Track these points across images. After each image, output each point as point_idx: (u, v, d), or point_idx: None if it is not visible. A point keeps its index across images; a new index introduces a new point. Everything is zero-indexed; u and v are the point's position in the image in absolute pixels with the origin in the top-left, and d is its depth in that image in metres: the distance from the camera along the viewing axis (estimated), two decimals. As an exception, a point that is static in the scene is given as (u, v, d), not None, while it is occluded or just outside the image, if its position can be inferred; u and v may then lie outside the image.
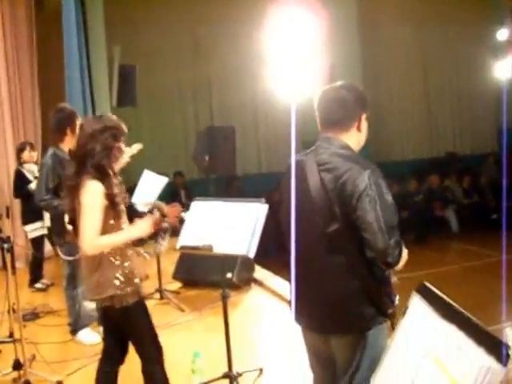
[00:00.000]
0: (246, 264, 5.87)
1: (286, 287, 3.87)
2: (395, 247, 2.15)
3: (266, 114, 11.21)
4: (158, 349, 2.99)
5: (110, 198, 2.81)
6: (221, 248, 3.28)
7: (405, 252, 2.27)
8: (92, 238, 2.73)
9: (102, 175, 2.81)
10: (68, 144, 4.38)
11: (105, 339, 3.14)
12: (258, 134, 11.76)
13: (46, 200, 4.29)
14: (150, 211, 2.92)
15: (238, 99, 10.48)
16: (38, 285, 6.37)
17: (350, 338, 2.32)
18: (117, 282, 2.80)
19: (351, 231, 2.17)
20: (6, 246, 3.68)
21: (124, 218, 2.94)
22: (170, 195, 8.50)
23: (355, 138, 2.34)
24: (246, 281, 5.99)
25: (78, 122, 4.36)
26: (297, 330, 2.58)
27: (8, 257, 3.76)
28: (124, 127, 2.97)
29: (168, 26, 9.76)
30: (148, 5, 9.58)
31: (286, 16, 3.31)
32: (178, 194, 9.99)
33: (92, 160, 2.80)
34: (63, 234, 4.26)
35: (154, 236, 2.95)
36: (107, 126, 2.87)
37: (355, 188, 2.13)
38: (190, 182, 10.06)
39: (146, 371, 2.97)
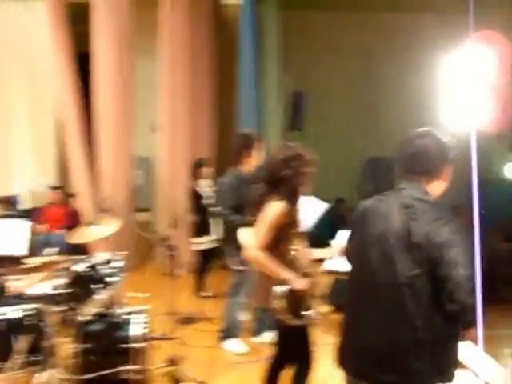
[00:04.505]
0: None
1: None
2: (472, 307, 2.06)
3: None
4: (310, 363, 3.23)
5: (291, 219, 3.08)
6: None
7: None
8: (256, 247, 3.01)
9: (293, 198, 3.11)
10: (247, 165, 4.75)
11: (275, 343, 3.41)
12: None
13: (225, 214, 4.71)
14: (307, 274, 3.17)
15: (405, 130, 10.27)
16: (202, 293, 6.74)
17: None
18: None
19: (430, 279, 2.11)
20: (170, 253, 4.13)
21: (293, 241, 3.15)
22: (332, 221, 8.58)
23: (438, 187, 2.33)
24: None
25: (256, 144, 4.75)
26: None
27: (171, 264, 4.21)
28: (309, 155, 3.22)
29: (340, 54, 9.94)
30: (322, 34, 9.87)
31: (464, 48, 3.23)
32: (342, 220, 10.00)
33: (286, 184, 3.09)
34: (236, 245, 4.57)
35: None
36: (298, 154, 3.16)
37: (440, 239, 2.09)
38: (350, 210, 10.07)
39: (295, 375, 3.26)
